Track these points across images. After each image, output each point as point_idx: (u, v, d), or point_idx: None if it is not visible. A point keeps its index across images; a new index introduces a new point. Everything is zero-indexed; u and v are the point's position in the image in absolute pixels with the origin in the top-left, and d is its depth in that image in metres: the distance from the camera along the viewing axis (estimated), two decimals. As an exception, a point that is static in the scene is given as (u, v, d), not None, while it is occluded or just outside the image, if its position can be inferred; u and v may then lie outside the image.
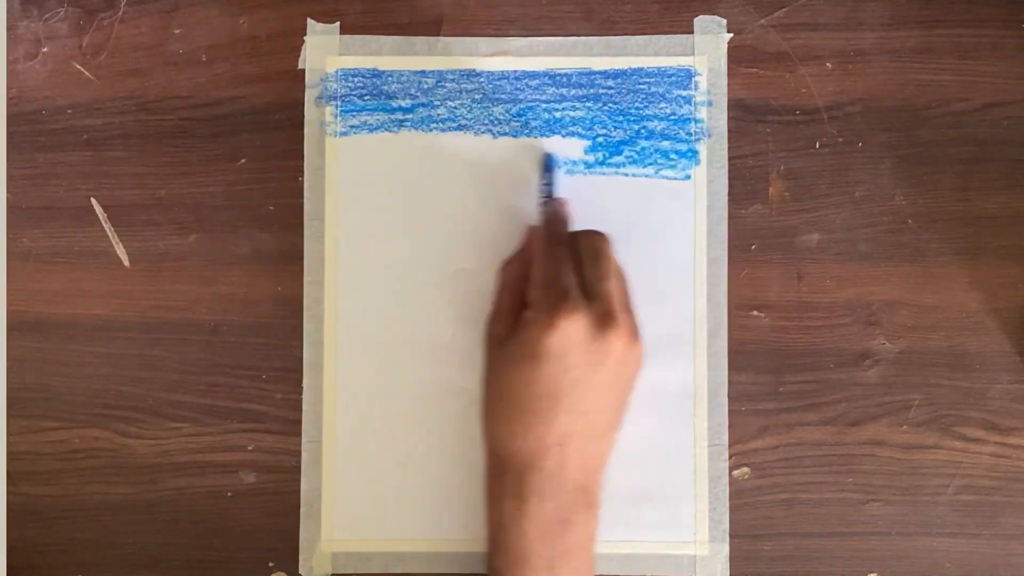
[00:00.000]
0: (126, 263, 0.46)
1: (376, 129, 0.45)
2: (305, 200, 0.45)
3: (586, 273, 0.38)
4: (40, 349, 0.45)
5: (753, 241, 0.45)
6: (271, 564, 0.45)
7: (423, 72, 0.45)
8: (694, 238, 0.45)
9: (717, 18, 0.45)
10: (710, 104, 0.45)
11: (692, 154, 0.45)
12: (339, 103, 0.45)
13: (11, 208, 0.46)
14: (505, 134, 0.45)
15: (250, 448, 0.45)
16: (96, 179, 0.46)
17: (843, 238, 0.45)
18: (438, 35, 0.45)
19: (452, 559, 0.45)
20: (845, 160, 0.45)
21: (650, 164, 0.45)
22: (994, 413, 0.44)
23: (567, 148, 0.45)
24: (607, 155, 0.45)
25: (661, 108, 0.45)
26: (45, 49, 0.46)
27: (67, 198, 0.46)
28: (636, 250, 0.45)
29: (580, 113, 0.45)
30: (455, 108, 0.45)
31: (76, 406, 0.45)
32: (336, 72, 0.45)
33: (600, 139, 0.45)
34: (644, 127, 0.45)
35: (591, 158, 0.45)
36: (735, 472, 0.45)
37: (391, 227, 0.45)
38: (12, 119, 0.46)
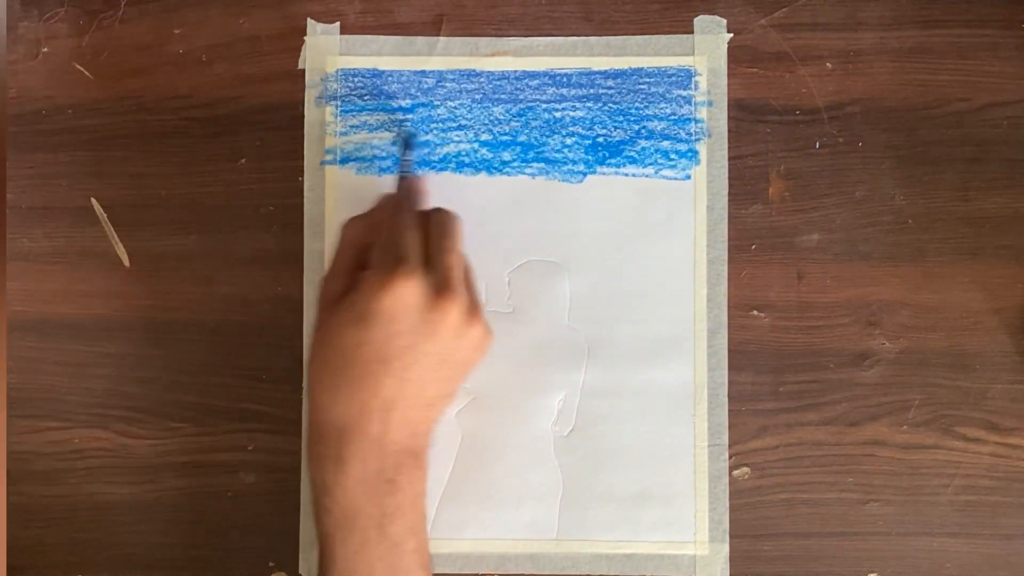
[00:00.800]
0: (126, 263, 0.46)
1: (376, 129, 0.45)
2: (305, 200, 0.45)
3: (431, 245, 0.38)
4: (40, 349, 0.45)
5: (753, 241, 0.45)
6: (271, 564, 0.45)
7: (423, 72, 0.45)
8: (694, 238, 0.45)
9: (717, 18, 0.45)
10: (710, 104, 0.45)
11: (692, 154, 0.45)
12: (339, 103, 0.45)
13: (11, 208, 0.46)
14: (505, 134, 0.45)
15: (250, 448, 0.45)
16: (96, 179, 0.46)
17: (843, 238, 0.45)
18: (438, 35, 0.45)
19: (452, 559, 0.45)
20: (845, 160, 0.45)
21: (650, 164, 0.45)
22: (994, 413, 0.44)
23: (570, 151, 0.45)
24: (607, 155, 0.45)
25: (661, 108, 0.45)
26: (45, 49, 0.46)
27: (67, 198, 0.46)
28: (636, 250, 0.45)
29: (580, 113, 0.45)
30: (455, 108, 0.45)
31: (76, 406, 0.45)
32: (336, 72, 0.45)
33: (600, 139, 0.45)
34: (644, 127, 0.45)
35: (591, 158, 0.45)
36: (735, 472, 0.45)
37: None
38: (12, 119, 0.46)
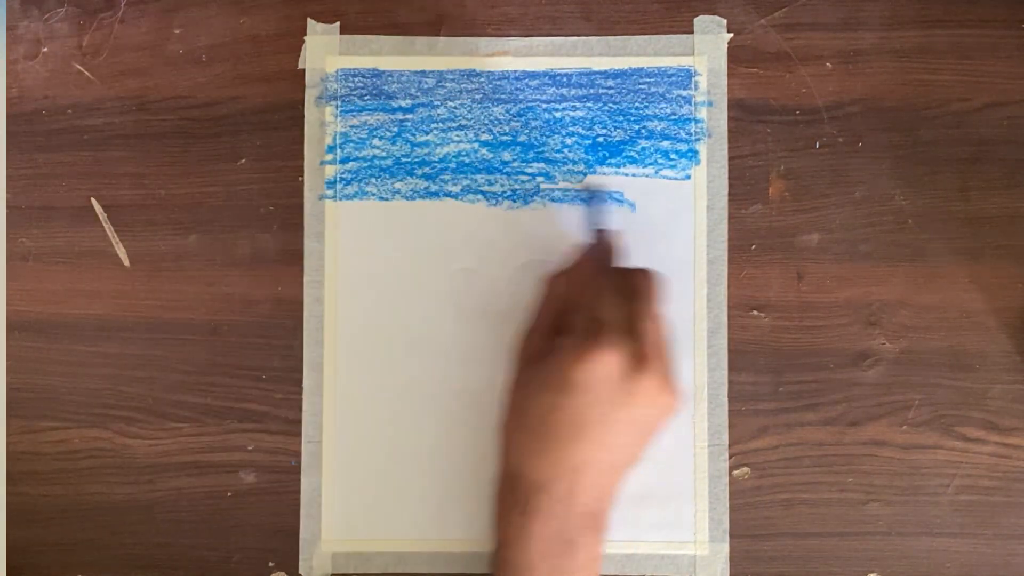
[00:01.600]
0: (126, 263, 0.46)
1: (376, 129, 0.45)
2: (305, 200, 0.45)
3: (631, 309, 0.38)
4: (40, 349, 0.45)
5: (753, 241, 0.45)
6: (271, 564, 0.45)
7: (423, 72, 0.45)
8: (694, 238, 0.45)
9: (717, 18, 0.45)
10: (710, 104, 0.45)
11: (692, 154, 0.45)
12: (339, 103, 0.45)
13: (11, 208, 0.46)
14: (505, 134, 0.45)
15: (250, 448, 0.45)
16: (96, 179, 0.46)
17: (843, 238, 0.45)
18: (438, 35, 0.45)
19: (452, 559, 0.45)
20: (845, 160, 0.45)
21: (650, 164, 0.45)
22: (994, 413, 0.44)
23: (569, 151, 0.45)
24: (607, 155, 0.45)
25: (661, 108, 0.45)
26: (45, 49, 0.46)
27: (67, 198, 0.46)
28: (636, 250, 0.45)
29: (580, 113, 0.45)
30: (455, 108, 0.45)
31: (76, 406, 0.45)
32: (336, 72, 0.45)
33: (600, 139, 0.45)
34: (644, 127, 0.45)
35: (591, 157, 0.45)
36: (735, 472, 0.45)
37: (391, 227, 0.45)
38: (12, 119, 0.46)
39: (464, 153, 0.45)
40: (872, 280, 0.45)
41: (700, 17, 0.45)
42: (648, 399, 0.37)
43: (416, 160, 0.45)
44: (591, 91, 0.45)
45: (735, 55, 0.45)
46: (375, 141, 0.45)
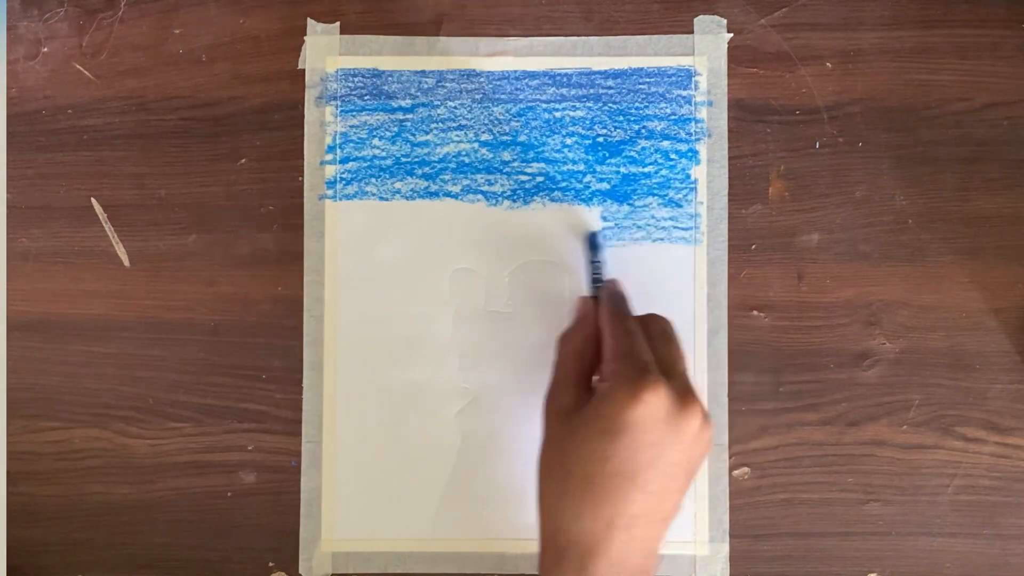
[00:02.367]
0: (126, 263, 0.46)
1: (376, 129, 0.45)
2: (305, 200, 0.45)
3: (662, 353, 0.37)
4: (40, 349, 0.45)
5: (753, 241, 0.45)
6: (271, 564, 0.45)
7: (423, 72, 0.45)
8: (694, 239, 0.45)
9: (717, 18, 0.45)
10: (710, 104, 0.45)
11: (692, 154, 0.45)
12: (339, 103, 0.45)
13: (11, 208, 0.46)
14: (505, 134, 0.45)
15: (250, 448, 0.45)
16: (96, 179, 0.46)
17: (843, 238, 0.45)
18: (438, 35, 0.45)
19: (452, 559, 0.45)
20: (845, 160, 0.45)
21: (650, 164, 0.45)
22: (994, 413, 0.44)
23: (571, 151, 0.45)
24: (607, 155, 0.45)
25: (661, 108, 0.45)
26: (45, 49, 0.46)
27: (67, 198, 0.46)
28: (636, 250, 0.45)
29: (580, 113, 0.45)
30: (455, 108, 0.45)
31: (76, 406, 0.45)
32: (336, 72, 0.45)
33: (600, 139, 0.45)
34: (644, 127, 0.45)
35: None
36: (735, 472, 0.45)
37: (391, 227, 0.45)
38: (12, 119, 0.46)
39: (464, 153, 0.45)
40: (872, 280, 0.45)
41: (700, 17, 0.45)
42: (693, 436, 0.36)
43: (416, 160, 0.45)
44: (591, 91, 0.45)
45: (735, 55, 0.45)
46: (375, 141, 0.45)
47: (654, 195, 0.45)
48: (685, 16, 0.45)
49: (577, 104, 0.45)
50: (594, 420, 0.35)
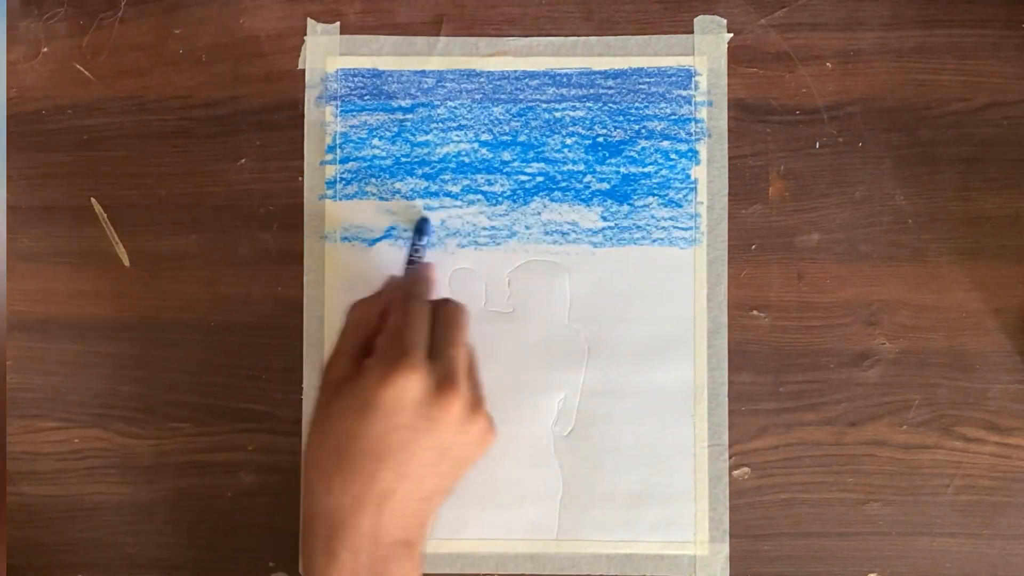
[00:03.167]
0: (126, 263, 0.46)
1: (376, 129, 0.45)
2: (305, 200, 0.45)
3: (436, 337, 0.37)
4: (40, 349, 0.45)
5: (753, 241, 0.45)
6: (271, 564, 0.45)
7: (423, 72, 0.45)
8: (694, 239, 0.45)
9: (717, 18, 0.45)
10: (710, 104, 0.45)
11: (692, 154, 0.45)
12: (339, 103, 0.45)
13: (11, 208, 0.46)
14: (505, 134, 0.45)
15: (250, 448, 0.45)
16: (96, 179, 0.46)
17: (843, 238, 0.45)
18: (438, 35, 0.45)
19: (452, 559, 0.45)
20: (845, 160, 0.45)
21: (650, 164, 0.45)
22: (994, 413, 0.44)
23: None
24: (607, 155, 0.45)
25: (661, 108, 0.45)
26: (45, 49, 0.46)
27: (67, 198, 0.46)
28: (636, 250, 0.45)
29: (580, 113, 0.45)
30: (455, 108, 0.45)
31: (76, 406, 0.45)
32: (336, 72, 0.45)
33: (600, 139, 0.45)
34: (644, 127, 0.45)
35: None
36: (735, 472, 0.45)
37: (391, 227, 0.45)
38: (12, 119, 0.46)
39: (464, 153, 0.45)
40: (872, 280, 0.45)
41: (700, 17, 0.45)
42: (454, 427, 0.36)
43: (416, 160, 0.45)
44: (591, 91, 0.45)
45: (735, 55, 0.45)
46: (375, 141, 0.45)
47: (654, 195, 0.45)
48: (685, 16, 0.45)
49: (577, 104, 0.45)
50: (350, 396, 0.36)
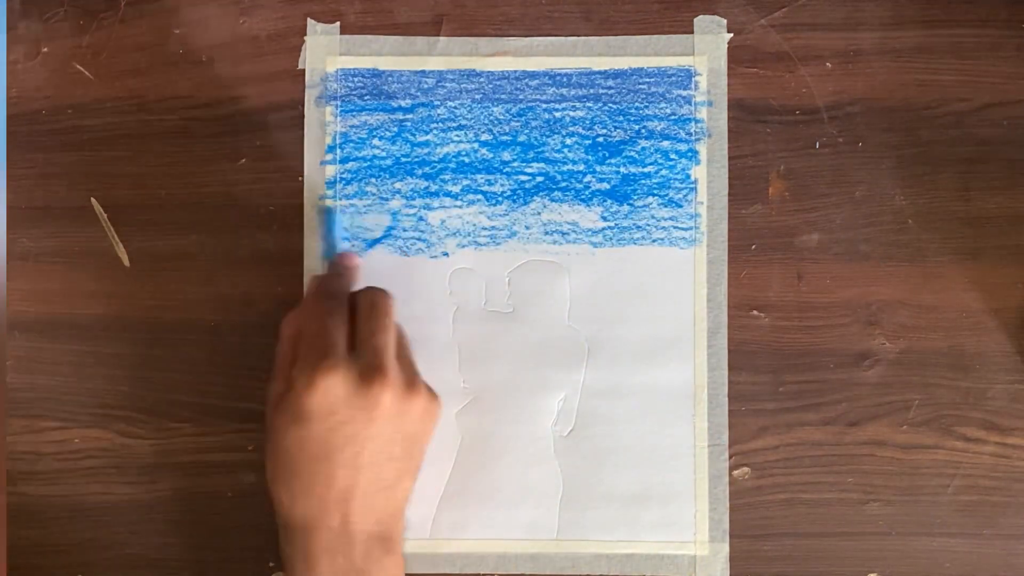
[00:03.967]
0: (126, 263, 0.46)
1: (376, 129, 0.45)
2: (305, 200, 0.45)
3: (359, 328, 0.37)
4: (40, 349, 0.45)
5: (753, 241, 0.45)
6: (271, 564, 0.45)
7: (423, 72, 0.45)
8: (694, 239, 0.45)
9: (717, 18, 0.45)
10: (710, 104, 0.45)
11: (692, 154, 0.45)
12: (339, 103, 0.45)
13: (11, 208, 0.46)
14: (505, 134, 0.45)
15: (250, 448, 0.45)
16: (96, 179, 0.46)
17: (843, 238, 0.45)
18: (438, 35, 0.45)
19: (452, 559, 0.45)
20: (845, 160, 0.45)
21: (650, 164, 0.45)
22: (994, 413, 0.44)
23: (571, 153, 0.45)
24: (607, 155, 0.45)
25: (661, 108, 0.45)
26: (45, 49, 0.46)
27: (67, 198, 0.46)
28: (636, 250, 0.45)
29: (580, 113, 0.45)
30: (455, 108, 0.45)
31: (76, 406, 0.45)
32: (336, 72, 0.45)
33: (600, 139, 0.45)
34: (644, 127, 0.45)
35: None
36: (735, 472, 0.45)
37: (391, 227, 0.45)
38: (12, 119, 0.46)
39: (464, 153, 0.45)
40: (872, 280, 0.45)
41: (700, 17, 0.45)
42: (391, 410, 0.36)
43: (416, 160, 0.45)
44: (591, 91, 0.45)
45: (735, 55, 0.45)
46: (375, 141, 0.45)
47: (654, 195, 0.45)
48: (685, 16, 0.45)
49: (577, 104, 0.45)
50: (286, 410, 0.36)
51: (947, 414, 0.44)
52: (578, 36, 0.45)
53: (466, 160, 0.45)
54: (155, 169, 0.46)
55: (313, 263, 0.45)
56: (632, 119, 0.45)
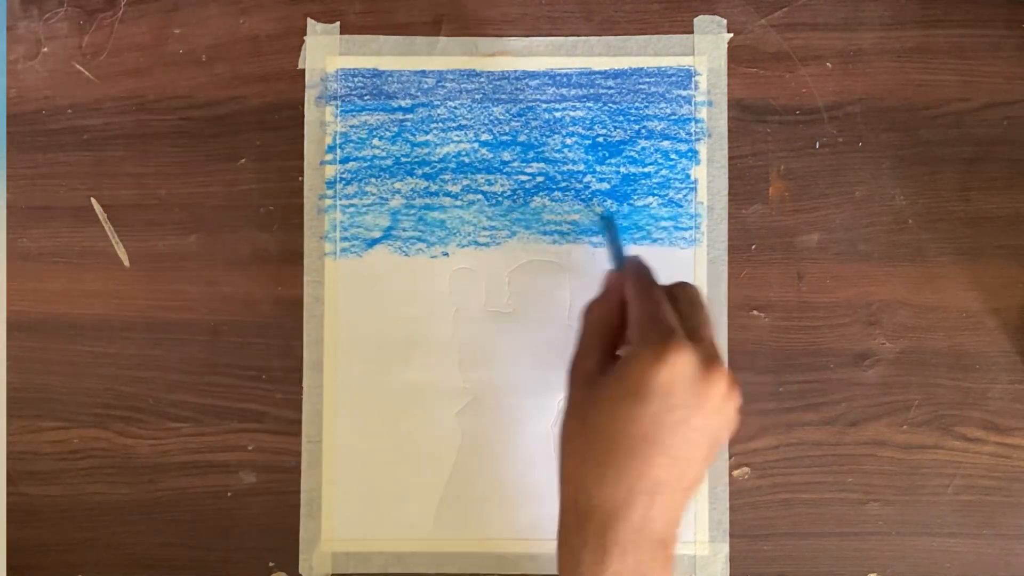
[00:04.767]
0: (126, 263, 0.46)
1: (376, 129, 0.45)
2: (305, 200, 0.45)
3: (687, 319, 0.37)
4: (40, 349, 0.45)
5: (753, 241, 0.45)
6: (271, 564, 0.45)
7: (423, 72, 0.45)
8: (694, 238, 0.45)
9: (717, 18, 0.45)
10: (710, 104, 0.45)
11: (692, 154, 0.45)
12: (339, 103, 0.45)
13: (11, 208, 0.46)
14: (505, 134, 0.45)
15: (250, 448, 0.45)
16: (96, 179, 0.46)
17: (843, 238, 0.45)
18: (438, 35, 0.45)
19: (452, 559, 0.45)
20: (845, 160, 0.45)
21: (650, 164, 0.45)
22: (994, 413, 0.44)
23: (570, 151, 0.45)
24: (607, 155, 0.45)
25: (661, 108, 0.45)
26: (45, 49, 0.46)
27: (67, 198, 0.46)
28: (636, 250, 0.45)
29: (580, 113, 0.45)
30: (455, 108, 0.45)
31: (76, 406, 0.45)
32: (336, 72, 0.45)
33: (600, 139, 0.45)
34: (644, 127, 0.45)
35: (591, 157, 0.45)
36: (735, 472, 0.45)
37: (391, 227, 0.45)
38: (12, 119, 0.46)
39: (464, 153, 0.45)
40: (872, 280, 0.45)
41: (700, 17, 0.45)
42: (718, 404, 0.35)
43: (416, 160, 0.45)
44: (591, 91, 0.45)
45: (735, 55, 0.45)
46: (375, 141, 0.45)
47: (654, 195, 0.45)
48: (685, 16, 0.45)
49: (577, 104, 0.45)
50: (619, 383, 0.35)
51: (947, 414, 0.44)
52: (578, 36, 0.45)
53: (466, 160, 0.45)
54: (155, 169, 0.46)
55: (313, 263, 0.45)
56: (632, 119, 0.45)
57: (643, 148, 0.45)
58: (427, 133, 0.45)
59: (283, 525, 0.45)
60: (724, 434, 0.37)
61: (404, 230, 0.45)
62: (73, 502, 0.45)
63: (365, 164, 0.45)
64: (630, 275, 0.39)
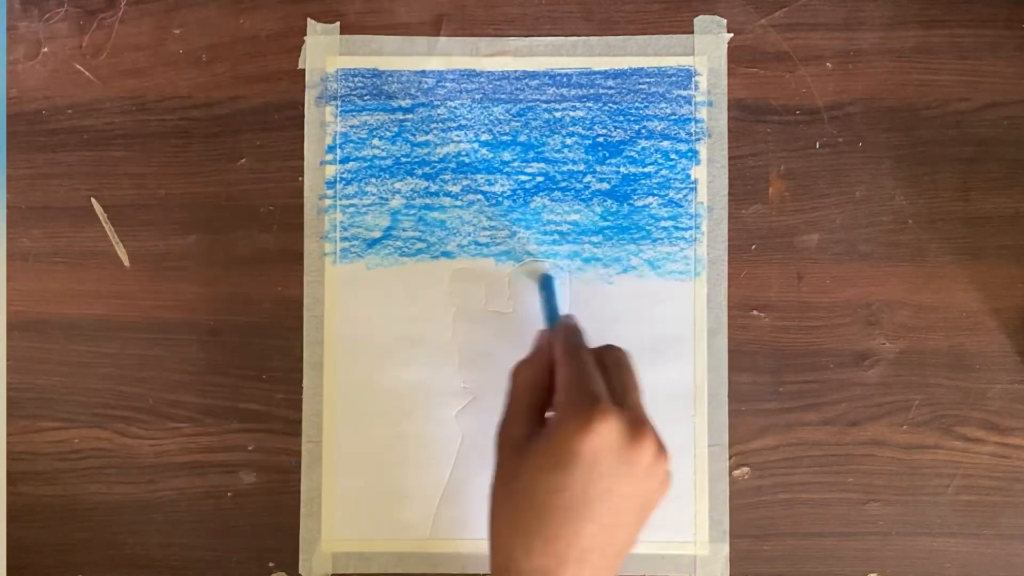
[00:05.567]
0: (126, 263, 0.46)
1: (376, 129, 0.45)
2: (305, 200, 0.45)
3: (613, 383, 0.37)
4: (40, 349, 0.45)
5: (753, 241, 0.45)
6: (271, 564, 0.45)
7: (423, 72, 0.45)
8: (694, 238, 0.45)
9: (717, 18, 0.45)
10: (710, 104, 0.45)
11: (692, 154, 0.45)
12: (339, 103, 0.45)
13: (11, 208, 0.46)
14: (505, 134, 0.45)
15: (250, 448, 0.45)
16: (96, 179, 0.46)
17: (843, 238, 0.45)
18: (438, 35, 0.45)
19: (452, 559, 0.45)
20: (845, 160, 0.45)
21: (650, 164, 0.45)
22: (994, 413, 0.44)
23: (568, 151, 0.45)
24: (607, 155, 0.45)
25: (661, 108, 0.45)
26: (45, 49, 0.46)
27: (67, 198, 0.46)
28: (635, 251, 0.45)
29: (580, 113, 0.45)
30: (455, 108, 0.45)
31: (76, 406, 0.45)
32: (336, 72, 0.45)
33: (600, 139, 0.45)
34: (644, 127, 0.45)
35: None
36: (735, 472, 0.45)
37: (391, 227, 0.45)
38: (12, 119, 0.46)
39: (464, 153, 0.45)
40: (872, 280, 0.45)
41: (700, 17, 0.45)
42: (646, 469, 0.35)
43: (416, 160, 0.45)
44: (591, 91, 0.45)
45: (735, 55, 0.45)
46: (375, 141, 0.45)
47: (654, 195, 0.45)
48: (685, 16, 0.45)
49: (577, 104, 0.45)
50: (545, 452, 0.35)
51: (947, 414, 0.44)
52: (578, 36, 0.45)
53: (466, 160, 0.45)
54: (155, 169, 0.46)
55: (313, 263, 0.45)
56: (632, 119, 0.45)
57: (643, 148, 0.45)
58: (427, 133, 0.45)
59: (283, 525, 0.45)
60: (655, 497, 0.36)
61: (404, 230, 0.45)
62: (73, 502, 0.45)
63: (365, 164, 0.45)
64: (560, 336, 0.39)
